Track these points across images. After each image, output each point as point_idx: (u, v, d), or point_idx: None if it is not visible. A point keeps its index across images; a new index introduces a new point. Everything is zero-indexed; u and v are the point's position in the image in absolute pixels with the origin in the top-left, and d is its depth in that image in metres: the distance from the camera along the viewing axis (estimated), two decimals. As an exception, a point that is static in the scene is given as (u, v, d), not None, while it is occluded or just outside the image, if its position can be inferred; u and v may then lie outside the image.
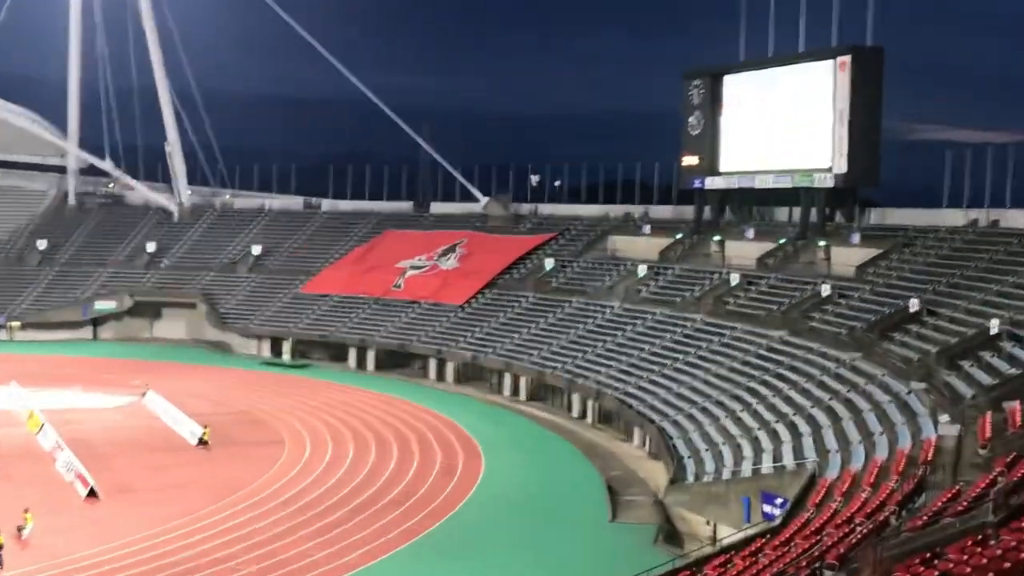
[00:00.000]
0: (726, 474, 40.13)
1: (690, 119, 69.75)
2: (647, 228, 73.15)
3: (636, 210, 77.83)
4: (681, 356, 55.86)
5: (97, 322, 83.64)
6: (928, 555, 20.43)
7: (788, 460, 38.72)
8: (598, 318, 65.36)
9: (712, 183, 68.70)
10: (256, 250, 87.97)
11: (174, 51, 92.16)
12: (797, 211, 64.94)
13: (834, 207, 63.10)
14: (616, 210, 79.24)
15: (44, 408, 53.61)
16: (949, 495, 26.55)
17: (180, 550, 34.43)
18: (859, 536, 24.82)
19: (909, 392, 39.46)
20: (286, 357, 75.74)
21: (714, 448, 43.49)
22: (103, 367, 69.74)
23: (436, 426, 54.50)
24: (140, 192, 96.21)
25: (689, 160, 70.01)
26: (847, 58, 59.19)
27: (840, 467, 35.24)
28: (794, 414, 43.20)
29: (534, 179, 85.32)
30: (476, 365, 67.54)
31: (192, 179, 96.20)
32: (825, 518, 29.48)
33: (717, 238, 67.36)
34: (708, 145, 68.68)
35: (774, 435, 42.02)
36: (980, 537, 20.92)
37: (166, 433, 51.91)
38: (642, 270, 68.00)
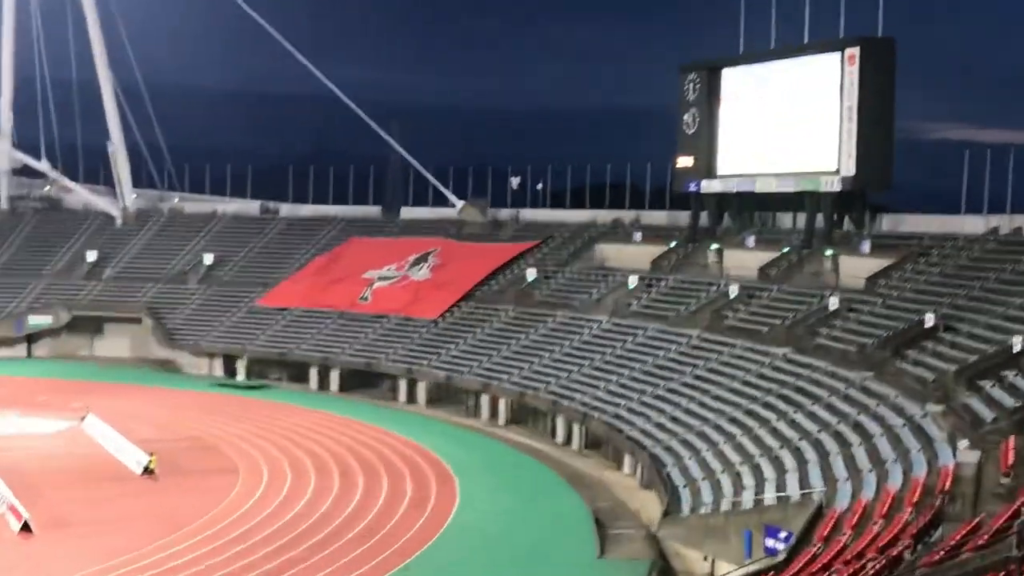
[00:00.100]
0: (725, 505, 40.13)
1: (685, 117, 70.01)
2: (638, 235, 73.28)
3: (626, 216, 77.99)
4: (676, 376, 55.91)
5: (32, 339, 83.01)
6: (946, 593, 20.45)
7: (793, 490, 38.75)
8: (585, 334, 65.37)
9: (709, 186, 68.92)
10: (208, 259, 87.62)
11: (118, 41, 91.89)
12: (802, 217, 65.19)
13: (842, 213, 63.39)
14: (604, 216, 79.39)
15: (-28, 434, 53.16)
16: (968, 528, 26.61)
17: (122, 591, 34.14)
18: (871, 573, 24.83)
19: (925, 415, 39.59)
20: (241, 377, 75.35)
21: (712, 477, 43.50)
22: (38, 388, 69.16)
23: (406, 453, 54.26)
24: (80, 195, 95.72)
25: (684, 161, 70.23)
26: (856, 50, 59.53)
27: (850, 497, 35.29)
28: (799, 439, 43.27)
29: (514, 181, 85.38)
30: (451, 386, 67.38)
31: (137, 181, 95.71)
32: (833, 553, 29.49)
33: (715, 247, 67.53)
34: (705, 145, 68.93)
35: (777, 462, 42.07)
36: (1003, 574, 20.95)
37: (108, 461, 51.50)
38: (633, 281, 68.09)
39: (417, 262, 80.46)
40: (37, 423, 59.09)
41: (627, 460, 51.77)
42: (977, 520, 27.32)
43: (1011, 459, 31.32)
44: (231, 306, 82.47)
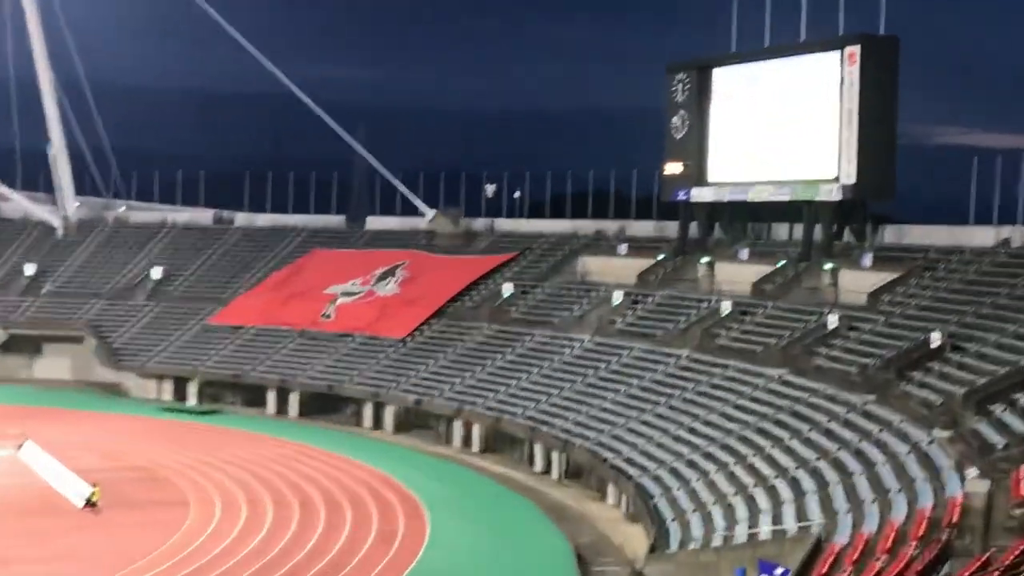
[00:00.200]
0: (717, 540, 40.13)
1: (674, 120, 70.27)
2: (623, 248, 73.42)
3: (610, 226, 78.15)
4: (664, 399, 55.98)
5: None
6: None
7: (790, 523, 38.80)
8: (565, 354, 65.39)
9: (699, 195, 69.15)
10: (156, 273, 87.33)
11: (59, 38, 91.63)
12: (799, 228, 65.47)
13: (842, 224, 63.68)
14: (587, 226, 79.54)
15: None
16: (978, 564, 26.69)
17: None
18: (873, 613, 24.86)
19: (931, 441, 39.74)
20: (192, 402, 75.06)
21: (703, 509, 43.52)
22: (-30, 414, 68.75)
23: (371, 484, 54.11)
24: (17, 204, 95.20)
25: (672, 168, 70.46)
26: (856, 49, 59.91)
27: (851, 531, 35.35)
28: (796, 468, 43.35)
29: (490, 189, 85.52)
30: (420, 411, 67.25)
31: (80, 188, 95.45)
32: (833, 592, 29.51)
33: (705, 260, 67.71)
34: (695, 150, 69.18)
35: (773, 493, 42.13)
36: (1015, 613, 21.02)
37: (47, 493, 51.16)
38: (617, 297, 68.19)
39: (384, 276, 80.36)
40: (-31, 452, 58.64)
41: (611, 491, 51.73)
42: (987, 556, 27.41)
43: (1023, 489, 31.45)
44: (182, 324, 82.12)
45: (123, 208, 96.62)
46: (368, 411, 69.44)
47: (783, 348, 55.62)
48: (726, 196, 68.19)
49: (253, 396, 74.46)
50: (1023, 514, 30.27)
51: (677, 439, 51.25)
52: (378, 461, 58.78)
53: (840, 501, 38.60)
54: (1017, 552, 25.56)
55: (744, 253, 66.28)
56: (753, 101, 66.74)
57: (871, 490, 38.24)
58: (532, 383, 63.60)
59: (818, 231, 63.40)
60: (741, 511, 41.80)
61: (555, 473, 56.98)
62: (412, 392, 68.00)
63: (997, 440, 37.10)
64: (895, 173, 61.90)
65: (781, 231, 68.28)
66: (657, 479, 48.08)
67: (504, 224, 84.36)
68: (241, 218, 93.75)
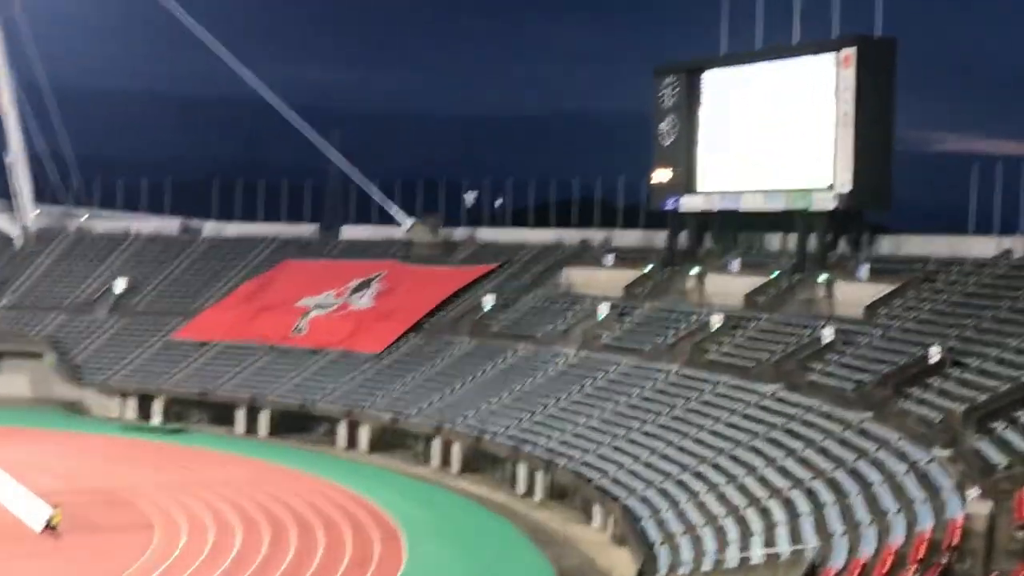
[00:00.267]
0: (707, 564, 40.12)
1: (662, 125, 70.45)
2: (609, 258, 73.51)
3: (596, 236, 78.26)
4: (652, 417, 55.99)
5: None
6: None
7: (783, 546, 38.78)
8: (549, 369, 65.39)
9: (689, 203, 69.30)
10: (120, 285, 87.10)
11: (18, 39, 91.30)
12: (792, 238, 65.65)
13: (837, 234, 63.90)
14: (571, 236, 79.62)
15: None
16: (980, 588, 26.68)
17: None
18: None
19: (930, 461, 39.81)
20: (157, 420, 74.88)
21: (692, 531, 43.50)
22: (-77, 433, 68.41)
23: (345, 506, 54.03)
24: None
25: (661, 175, 70.62)
26: (852, 51, 60.18)
27: (847, 555, 35.36)
28: (790, 488, 43.38)
29: (470, 197, 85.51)
30: (397, 429, 67.17)
31: (40, 196, 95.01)
32: (829, 618, 29.50)
33: (695, 271, 67.84)
34: (684, 157, 69.35)
35: (766, 515, 42.14)
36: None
37: (3, 517, 50.81)
38: (603, 310, 68.24)
39: (359, 288, 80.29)
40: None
41: (597, 513, 51.68)
42: (989, 580, 27.41)
43: (1026, 510, 31.50)
44: (146, 339, 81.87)
45: (85, 217, 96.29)
46: (342, 430, 69.27)
47: (776, 363, 55.71)
48: (716, 204, 68.34)
49: (221, 414, 74.21)
50: (1026, 536, 30.31)
51: (666, 458, 51.25)
52: (352, 482, 58.64)
53: (836, 523, 38.61)
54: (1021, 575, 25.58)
55: (735, 264, 66.42)
56: (745, 105, 66.95)
57: (868, 512, 38.27)
58: (514, 400, 63.55)
59: (812, 241, 63.60)
60: (732, 533, 41.79)
61: (538, 494, 56.91)
62: (388, 410, 67.88)
63: (999, 459, 37.15)
64: (892, 181, 62.15)
65: (774, 241, 68.45)
66: (645, 500, 48.05)
67: (485, 234, 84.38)
68: (209, 227, 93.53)
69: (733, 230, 69.99)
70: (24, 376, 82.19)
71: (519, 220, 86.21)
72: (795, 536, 39.19)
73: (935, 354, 48.19)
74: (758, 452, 47.97)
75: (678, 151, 69.52)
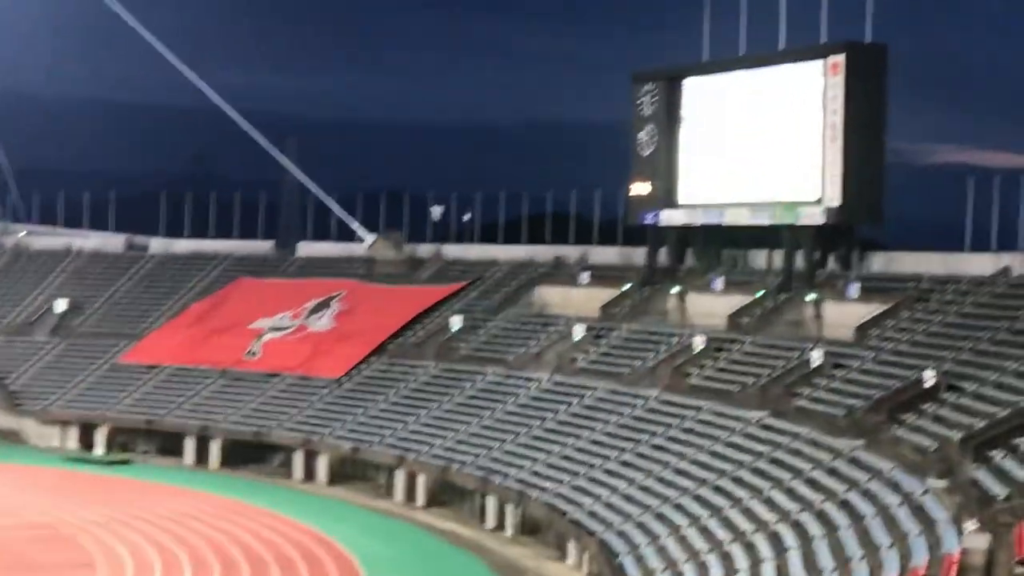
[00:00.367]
0: (689, 602, 40.18)
1: (640, 135, 70.66)
2: (585, 276, 73.57)
3: (571, 253, 78.35)
4: (630, 445, 56.03)
5: None
6: None
7: (770, 583, 38.89)
8: (521, 395, 65.38)
9: (669, 218, 69.49)
10: (60, 306, 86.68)
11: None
12: (779, 255, 65.85)
13: (826, 250, 64.18)
14: (544, 253, 79.71)
15: None
16: (978, 627, 26.78)
17: None
18: None
19: (925, 491, 39.97)
20: (100, 451, 74.49)
21: (674, 568, 43.55)
22: None
23: (302, 543, 53.84)
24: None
25: (639, 188, 70.80)
26: (840, 58, 60.56)
27: (837, 591, 35.49)
28: (777, 521, 43.48)
29: (436, 211, 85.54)
30: (358, 460, 67.04)
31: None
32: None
33: (676, 290, 67.97)
34: (664, 169, 69.56)
35: (751, 550, 42.21)
36: None
37: (-67, 555, 50.56)
38: (579, 332, 68.30)
39: (317, 309, 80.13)
40: None
41: (572, 548, 51.64)
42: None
43: (1027, 544, 31.65)
44: (89, 363, 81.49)
45: (23, 233, 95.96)
46: (299, 460, 69.03)
47: (762, 388, 55.87)
48: (698, 219, 68.53)
49: (169, 444, 73.84)
50: (1026, 571, 30.46)
51: (645, 490, 51.27)
52: (310, 517, 58.46)
53: (825, 558, 38.72)
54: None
55: (718, 283, 66.57)
56: (728, 115, 67.22)
57: (859, 546, 38.38)
58: (483, 428, 63.50)
59: (800, 258, 63.84)
60: (716, 570, 41.86)
61: (509, 529, 56.84)
62: (348, 439, 67.70)
63: (998, 490, 37.34)
64: (884, 194, 62.47)
65: (759, 258, 68.59)
66: (623, 535, 48.06)
67: (452, 250, 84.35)
68: (157, 244, 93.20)
69: (716, 246, 70.16)
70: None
71: (488, 236, 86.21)
72: (782, 573, 39.30)
73: (930, 378, 48.41)
74: (743, 483, 48.04)
75: (657, 162, 69.73)
